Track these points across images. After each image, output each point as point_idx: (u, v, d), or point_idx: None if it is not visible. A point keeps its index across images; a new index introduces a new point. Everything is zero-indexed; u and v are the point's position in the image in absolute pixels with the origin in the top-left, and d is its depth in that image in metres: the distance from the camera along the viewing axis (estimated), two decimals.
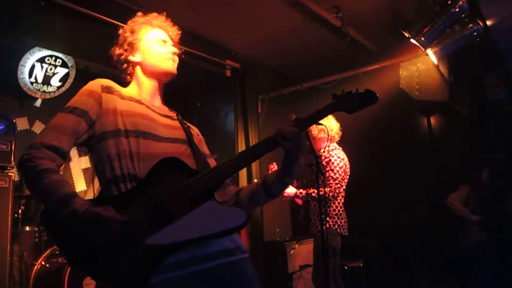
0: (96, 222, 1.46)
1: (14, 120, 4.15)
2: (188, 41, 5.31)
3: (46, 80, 4.93)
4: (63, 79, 5.07)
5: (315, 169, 3.18)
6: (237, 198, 1.93)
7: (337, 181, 4.15)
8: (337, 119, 4.45)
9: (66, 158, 1.66)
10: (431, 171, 5.74)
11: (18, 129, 4.94)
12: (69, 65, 5.09)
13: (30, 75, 4.80)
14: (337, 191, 4.14)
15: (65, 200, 1.50)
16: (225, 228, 1.59)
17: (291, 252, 5.37)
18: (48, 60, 4.92)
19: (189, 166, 1.70)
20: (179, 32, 2.14)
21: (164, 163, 1.65)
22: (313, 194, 4.12)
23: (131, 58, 1.94)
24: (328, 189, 4.09)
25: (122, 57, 1.95)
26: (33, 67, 4.81)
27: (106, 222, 1.46)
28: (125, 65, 1.96)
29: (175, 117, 2.00)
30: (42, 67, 4.87)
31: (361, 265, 5.38)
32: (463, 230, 5.37)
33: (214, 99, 6.69)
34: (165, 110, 1.99)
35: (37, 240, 4.37)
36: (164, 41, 2.03)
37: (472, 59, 5.44)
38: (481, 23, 4.74)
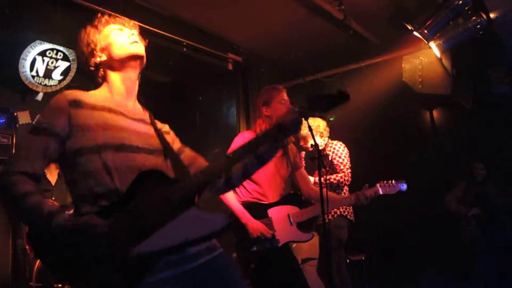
0: (84, 229, 1.50)
1: (16, 114, 4.15)
2: (190, 35, 5.29)
3: (48, 74, 4.92)
4: (65, 73, 5.06)
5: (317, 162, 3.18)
6: (229, 174, 1.99)
7: (347, 166, 4.34)
8: (340, 113, 4.46)
9: (40, 181, 1.65)
10: (433, 165, 5.73)
11: (20, 122, 4.93)
12: (71, 58, 5.07)
13: (31, 69, 4.78)
14: (350, 175, 4.32)
15: (50, 216, 1.52)
16: (206, 234, 1.65)
17: (293, 245, 5.37)
18: (50, 53, 4.90)
19: (168, 175, 1.73)
20: (135, 22, 2.03)
21: (143, 175, 1.66)
22: (332, 180, 4.28)
23: (97, 60, 1.90)
24: (342, 174, 4.33)
25: (90, 63, 1.91)
26: (34, 60, 4.79)
27: (94, 228, 1.50)
28: (94, 69, 1.92)
29: (148, 120, 1.96)
30: (43, 60, 4.85)
31: (363, 258, 5.39)
32: (462, 227, 5.38)
33: (216, 92, 6.67)
34: (139, 112, 1.95)
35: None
36: (121, 29, 1.93)
37: (475, 52, 5.41)
38: (484, 16, 4.70)
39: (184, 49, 5.32)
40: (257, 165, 2.01)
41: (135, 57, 1.89)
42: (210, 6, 4.82)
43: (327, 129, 4.58)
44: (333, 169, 4.45)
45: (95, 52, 1.89)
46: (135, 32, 1.94)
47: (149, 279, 1.55)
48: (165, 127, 2.07)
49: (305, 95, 1.89)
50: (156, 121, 2.02)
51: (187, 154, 2.06)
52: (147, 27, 4.74)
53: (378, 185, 3.46)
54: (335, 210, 4.24)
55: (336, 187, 4.36)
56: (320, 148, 4.31)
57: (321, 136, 4.53)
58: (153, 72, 6.08)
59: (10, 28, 4.40)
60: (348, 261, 5.24)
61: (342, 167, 4.36)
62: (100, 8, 4.24)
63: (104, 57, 1.89)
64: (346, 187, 4.49)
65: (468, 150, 5.60)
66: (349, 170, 4.41)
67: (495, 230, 5.17)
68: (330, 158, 4.44)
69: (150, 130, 1.92)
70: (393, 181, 3.51)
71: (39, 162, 1.63)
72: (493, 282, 5.11)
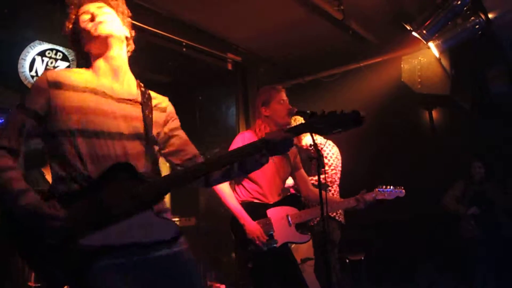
0: (36, 216, 1.55)
1: None
2: (189, 35, 5.29)
3: None
4: None
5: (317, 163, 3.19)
6: (208, 175, 1.98)
7: (332, 167, 4.27)
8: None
9: (19, 155, 1.70)
10: (431, 165, 5.73)
11: None
12: (70, 58, 5.07)
13: (30, 69, 4.78)
14: (333, 177, 4.25)
15: (17, 195, 1.57)
16: (155, 240, 1.68)
17: (292, 245, 5.37)
18: (49, 53, 4.90)
19: (138, 172, 1.71)
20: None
21: (115, 168, 1.67)
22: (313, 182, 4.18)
23: (75, 47, 1.95)
24: (324, 175, 4.17)
25: (73, 49, 1.97)
26: (33, 60, 4.79)
27: (46, 217, 1.55)
28: (78, 54, 1.96)
29: (139, 99, 1.90)
30: (42, 60, 4.85)
31: (362, 258, 5.39)
32: (460, 226, 5.39)
33: (216, 92, 6.68)
34: (128, 91, 1.90)
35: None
36: (92, 17, 1.86)
37: (474, 53, 5.42)
38: (483, 16, 4.71)
39: (184, 49, 5.32)
40: (238, 174, 2.01)
41: (106, 39, 1.85)
42: (209, 6, 4.81)
43: None
44: (309, 169, 4.33)
45: (71, 40, 1.94)
46: (104, 9, 1.88)
47: (99, 264, 1.59)
48: (162, 102, 2.01)
49: (311, 112, 1.83)
50: (154, 96, 1.99)
51: (179, 138, 2.01)
52: (146, 27, 4.74)
53: (376, 190, 3.46)
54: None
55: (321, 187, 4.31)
56: (311, 147, 4.27)
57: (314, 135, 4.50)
58: (153, 72, 6.08)
59: (10, 28, 4.40)
60: (347, 260, 5.25)
61: (326, 167, 4.27)
62: None
63: (79, 44, 1.91)
64: (334, 188, 4.43)
65: (466, 150, 5.61)
66: (334, 171, 4.33)
67: (493, 229, 5.18)
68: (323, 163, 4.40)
69: (136, 111, 1.86)
70: (391, 187, 3.51)
71: (15, 137, 1.68)
72: (491, 281, 5.12)
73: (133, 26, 2.09)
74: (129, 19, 2.00)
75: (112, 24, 1.86)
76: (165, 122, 1.98)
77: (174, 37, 5.12)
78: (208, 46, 5.57)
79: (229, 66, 6.13)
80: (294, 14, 5.01)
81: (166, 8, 4.82)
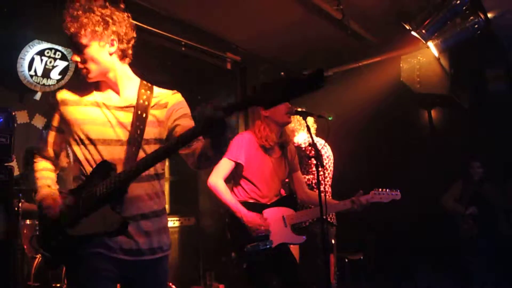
0: (39, 207, 1.96)
1: (14, 113, 4.13)
2: (188, 34, 5.29)
3: (46, 73, 4.91)
4: (63, 72, 5.05)
5: (314, 161, 3.19)
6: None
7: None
8: (338, 112, 4.44)
9: (57, 163, 2.14)
10: (431, 165, 5.73)
11: (18, 122, 4.92)
12: (69, 58, 5.07)
13: (29, 68, 4.78)
14: (320, 178, 4.19)
15: (37, 190, 2.02)
16: (99, 232, 1.80)
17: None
18: (48, 53, 4.89)
19: (114, 170, 1.82)
20: (71, 30, 1.94)
21: (98, 167, 1.88)
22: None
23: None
24: (311, 176, 4.16)
25: None
26: (32, 60, 4.79)
27: (47, 210, 1.92)
28: None
29: (134, 103, 1.97)
30: (41, 60, 4.85)
31: (361, 258, 5.39)
32: (459, 226, 5.39)
33: (215, 92, 6.67)
34: (126, 99, 1.99)
35: (37, 233, 4.37)
36: (75, 58, 1.94)
37: (473, 52, 5.42)
38: (482, 16, 4.71)
39: (183, 49, 5.32)
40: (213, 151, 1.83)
41: (91, 82, 1.98)
42: (208, 6, 4.81)
43: (314, 125, 4.42)
44: (304, 168, 4.29)
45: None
46: (75, 58, 1.93)
47: (85, 251, 1.84)
48: (163, 99, 2.04)
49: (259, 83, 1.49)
50: (156, 94, 2.04)
51: (181, 126, 1.99)
52: (145, 26, 4.74)
53: (372, 192, 3.44)
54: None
55: (310, 187, 4.28)
56: (304, 145, 4.24)
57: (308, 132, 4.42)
58: (152, 72, 6.06)
59: (9, 27, 4.40)
60: (346, 260, 5.25)
61: (313, 167, 4.17)
62: None
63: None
64: (326, 189, 4.36)
65: (466, 149, 5.61)
66: (321, 172, 4.23)
67: (492, 229, 5.19)
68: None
69: (128, 118, 1.95)
70: (387, 190, 3.49)
71: (50, 149, 2.08)
72: (490, 281, 5.13)
73: (133, 25, 2.06)
74: (117, 25, 1.94)
75: (91, 74, 1.94)
76: (168, 117, 2.01)
77: (173, 36, 5.13)
78: (207, 46, 5.57)
79: (228, 66, 6.13)
80: (293, 13, 5.01)
81: (165, 7, 4.82)
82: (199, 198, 6.33)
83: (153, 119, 1.97)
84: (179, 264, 5.62)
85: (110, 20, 1.90)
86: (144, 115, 1.94)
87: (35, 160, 2.10)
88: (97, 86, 2.02)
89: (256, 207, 3.24)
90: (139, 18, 4.64)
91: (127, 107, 1.97)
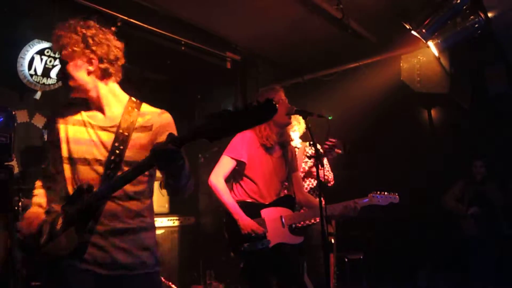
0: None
1: (14, 113, 4.12)
2: (188, 33, 5.29)
3: (46, 73, 4.90)
4: None
5: (314, 161, 3.18)
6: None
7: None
8: (338, 112, 4.45)
9: (50, 177, 2.09)
10: (431, 164, 5.74)
11: (18, 121, 4.92)
12: None
13: (29, 68, 4.77)
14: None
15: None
16: (61, 254, 1.88)
17: None
18: (48, 52, 4.88)
19: (90, 193, 1.86)
20: (60, 40, 1.98)
21: (78, 188, 1.91)
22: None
23: None
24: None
25: None
26: (32, 59, 4.77)
27: (16, 230, 2.04)
28: None
29: (116, 125, 1.98)
30: (41, 59, 4.84)
31: (361, 257, 5.40)
32: (460, 225, 5.39)
33: (215, 91, 6.67)
34: (111, 118, 2.01)
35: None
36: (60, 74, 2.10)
37: (473, 52, 5.42)
38: (482, 15, 4.70)
39: (183, 48, 5.31)
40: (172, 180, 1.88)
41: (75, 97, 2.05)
42: (208, 5, 4.81)
43: (303, 125, 4.43)
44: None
45: None
46: (60, 75, 2.06)
47: (59, 264, 1.88)
48: (149, 120, 2.00)
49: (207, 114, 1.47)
50: (144, 112, 2.02)
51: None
52: (145, 25, 4.74)
53: (370, 195, 3.44)
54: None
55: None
56: (311, 145, 4.24)
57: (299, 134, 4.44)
58: (152, 71, 6.08)
59: (9, 26, 4.39)
60: (346, 260, 5.25)
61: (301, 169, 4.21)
62: (98, 7, 4.24)
63: None
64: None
65: (466, 149, 5.61)
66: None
67: (493, 229, 5.19)
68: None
69: (109, 138, 1.97)
70: (386, 193, 3.50)
71: (50, 167, 2.08)
72: (491, 281, 5.12)
73: (121, 47, 2.06)
74: (98, 46, 1.96)
75: (72, 90, 2.04)
76: (151, 141, 1.97)
77: (172, 35, 5.12)
78: (207, 45, 5.56)
79: (228, 65, 6.12)
80: (293, 13, 5.01)
81: (165, 6, 4.82)
82: (199, 198, 6.33)
83: (135, 142, 1.96)
84: (179, 263, 5.62)
85: (91, 41, 1.94)
86: (126, 134, 1.96)
87: (39, 178, 2.17)
88: (87, 105, 2.05)
89: (255, 206, 3.24)
90: (139, 17, 4.65)
91: (110, 127, 1.98)
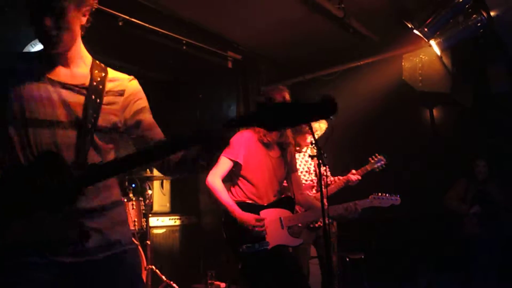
0: None
1: None
2: (189, 33, 5.28)
3: None
4: None
5: (316, 161, 3.18)
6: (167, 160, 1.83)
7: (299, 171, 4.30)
8: (339, 111, 4.44)
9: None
10: (433, 163, 5.72)
11: None
12: None
13: None
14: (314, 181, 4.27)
15: None
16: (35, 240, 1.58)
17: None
18: None
19: (62, 163, 1.60)
20: None
21: (42, 156, 1.61)
22: None
23: None
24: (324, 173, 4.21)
25: None
26: None
27: None
28: None
29: (86, 83, 1.76)
30: None
31: (362, 257, 5.39)
32: (462, 225, 5.38)
33: (217, 91, 6.67)
34: (78, 76, 1.77)
35: None
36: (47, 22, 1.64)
37: (475, 51, 5.40)
38: (485, 14, 4.69)
39: (184, 47, 5.30)
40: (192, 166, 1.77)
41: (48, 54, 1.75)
42: (209, 4, 4.80)
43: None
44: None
45: None
46: (46, 22, 1.64)
47: (19, 260, 1.56)
48: (120, 85, 1.85)
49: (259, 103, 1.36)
50: (113, 78, 1.84)
51: (142, 123, 1.87)
52: (147, 25, 4.73)
53: (371, 197, 3.44)
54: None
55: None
56: (312, 145, 4.24)
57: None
58: (153, 70, 6.07)
59: (10, 26, 4.39)
60: (347, 259, 5.24)
61: (305, 169, 4.26)
62: (100, 6, 4.22)
63: None
64: (313, 192, 4.41)
65: (467, 148, 5.60)
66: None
67: (496, 228, 5.17)
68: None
69: (76, 98, 1.73)
70: (387, 194, 3.49)
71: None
72: (493, 281, 5.11)
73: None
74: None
75: (61, 45, 1.71)
76: (123, 107, 1.83)
77: (174, 35, 5.11)
78: (209, 44, 5.56)
79: (230, 64, 6.12)
80: (294, 12, 5.00)
81: (167, 6, 4.81)
82: (200, 197, 6.32)
83: (107, 106, 1.77)
84: (180, 262, 5.62)
85: None
86: (98, 100, 1.74)
87: None
88: (48, 58, 1.75)
89: (254, 207, 3.23)
90: (141, 17, 4.64)
91: (76, 86, 1.74)
